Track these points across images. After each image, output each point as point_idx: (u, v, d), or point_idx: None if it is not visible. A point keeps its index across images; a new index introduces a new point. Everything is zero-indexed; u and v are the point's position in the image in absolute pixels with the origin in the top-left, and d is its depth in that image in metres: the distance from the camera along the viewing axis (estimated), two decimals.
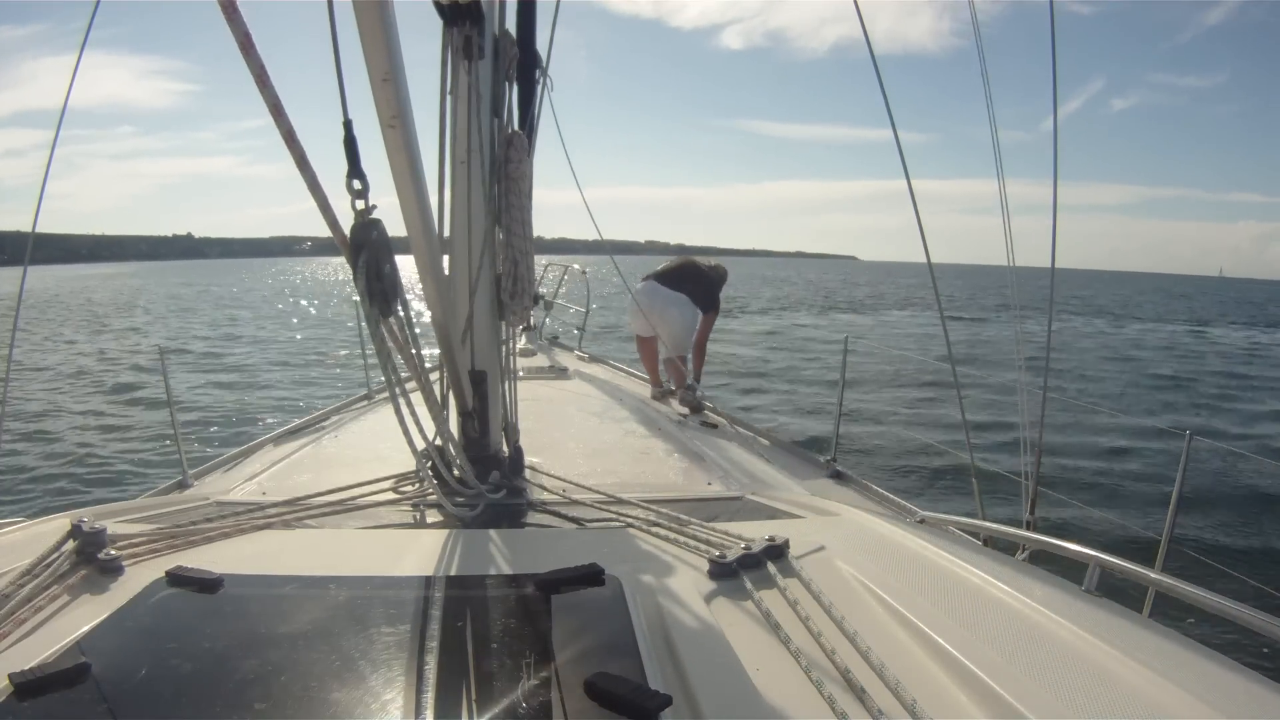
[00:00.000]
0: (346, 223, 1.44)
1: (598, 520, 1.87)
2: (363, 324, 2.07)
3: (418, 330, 1.70)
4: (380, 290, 1.47)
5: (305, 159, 1.31)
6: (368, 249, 1.43)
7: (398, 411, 1.59)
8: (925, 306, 33.15)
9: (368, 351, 5.25)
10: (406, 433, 1.63)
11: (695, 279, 4.90)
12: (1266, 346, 22.06)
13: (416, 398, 1.72)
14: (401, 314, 1.58)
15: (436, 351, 2.10)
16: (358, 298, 1.50)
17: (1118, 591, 1.43)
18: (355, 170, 1.40)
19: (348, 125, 1.37)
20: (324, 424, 3.73)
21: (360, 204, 1.42)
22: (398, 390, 1.59)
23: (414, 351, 1.70)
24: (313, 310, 31.10)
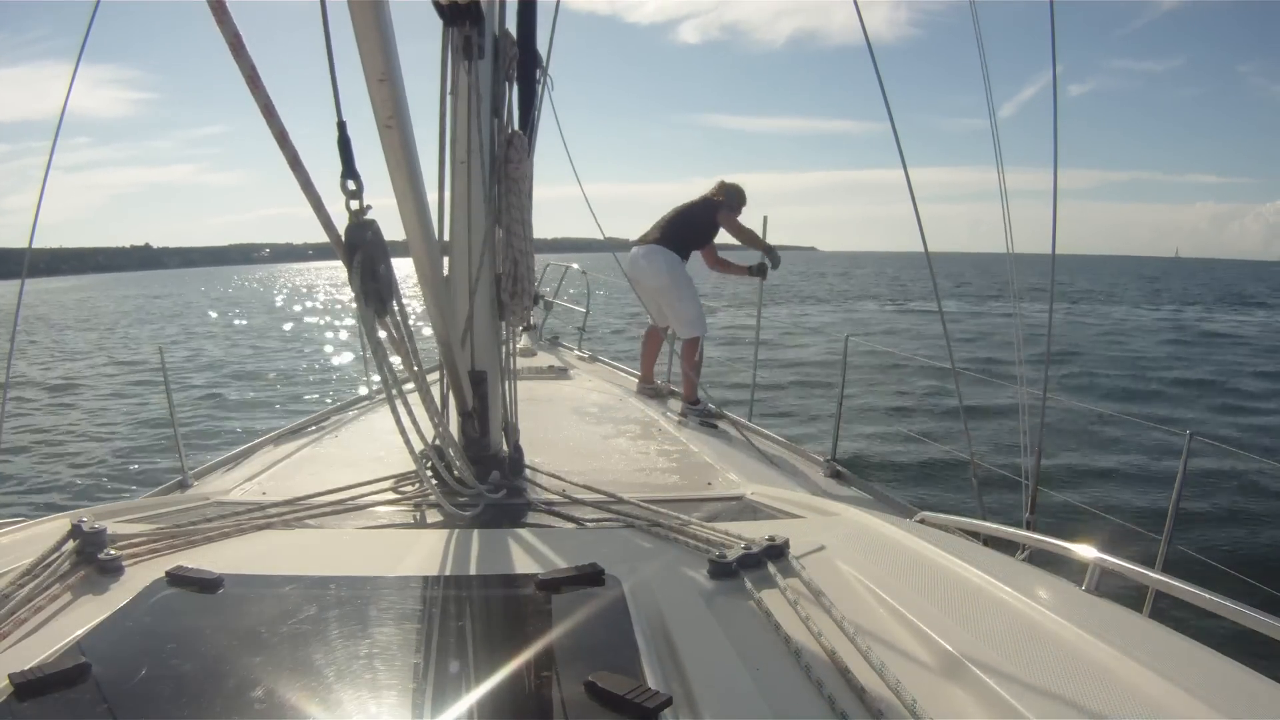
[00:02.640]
0: (337, 223, 1.43)
1: (598, 520, 1.87)
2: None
3: (414, 327, 1.70)
4: (375, 290, 1.47)
5: (298, 159, 1.30)
6: (363, 249, 1.42)
7: (394, 412, 1.59)
8: (890, 299, 33.13)
9: (368, 352, 5.25)
10: (403, 432, 1.62)
11: (669, 222, 4.29)
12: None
13: (414, 398, 1.71)
14: (398, 314, 1.58)
15: (434, 349, 2.10)
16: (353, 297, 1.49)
17: (1118, 591, 1.43)
18: (349, 171, 1.39)
19: (341, 126, 1.36)
20: (324, 424, 3.73)
21: (355, 204, 1.41)
22: (394, 391, 1.59)
23: (411, 351, 1.69)
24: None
